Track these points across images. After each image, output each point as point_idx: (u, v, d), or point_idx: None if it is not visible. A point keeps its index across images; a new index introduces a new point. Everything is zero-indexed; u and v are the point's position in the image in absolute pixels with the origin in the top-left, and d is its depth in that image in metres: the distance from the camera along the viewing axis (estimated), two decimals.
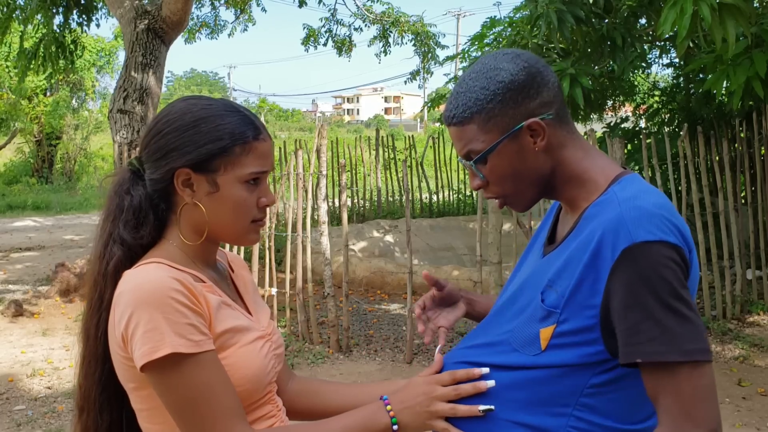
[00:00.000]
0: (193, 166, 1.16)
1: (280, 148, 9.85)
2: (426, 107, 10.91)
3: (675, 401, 1.03)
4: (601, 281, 1.07)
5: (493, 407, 1.15)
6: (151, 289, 1.07)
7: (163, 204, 1.21)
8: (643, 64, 6.55)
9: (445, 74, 72.23)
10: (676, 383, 1.03)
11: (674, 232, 1.06)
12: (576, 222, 1.17)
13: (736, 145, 6.13)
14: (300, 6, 10.83)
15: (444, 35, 13.21)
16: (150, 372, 1.07)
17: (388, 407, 1.18)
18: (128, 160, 1.25)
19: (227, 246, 5.30)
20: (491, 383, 1.16)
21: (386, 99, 78.30)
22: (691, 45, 5.49)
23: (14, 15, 7.42)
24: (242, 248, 5.40)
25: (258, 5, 11.68)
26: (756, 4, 5.19)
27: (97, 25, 33.76)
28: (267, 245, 5.35)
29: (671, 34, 4.06)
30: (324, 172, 5.10)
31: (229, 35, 12.61)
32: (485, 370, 1.17)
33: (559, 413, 1.11)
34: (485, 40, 7.47)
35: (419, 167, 10.66)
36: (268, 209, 1.25)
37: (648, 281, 1.03)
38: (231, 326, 1.16)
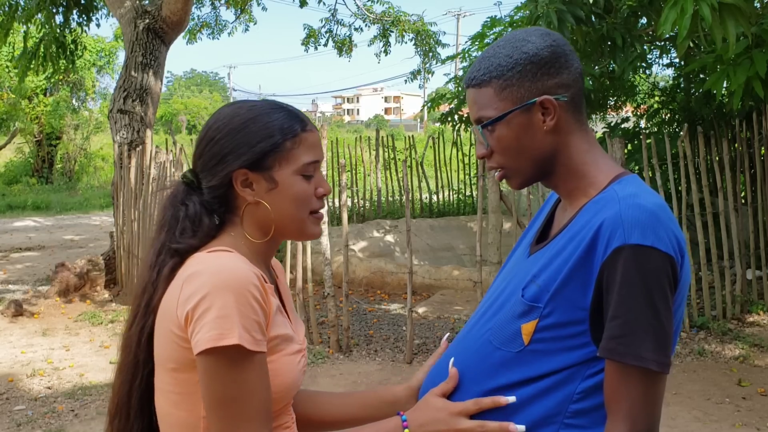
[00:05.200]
0: (249, 166, 1.18)
1: None
2: (426, 107, 10.89)
3: (621, 401, 1.06)
4: (593, 276, 1.08)
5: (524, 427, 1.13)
6: (233, 276, 1.08)
7: (224, 208, 1.22)
8: (643, 64, 6.54)
9: (445, 74, 72.22)
10: (626, 385, 1.06)
11: (670, 239, 1.06)
12: (571, 218, 1.17)
13: (736, 145, 6.13)
14: (301, 6, 10.83)
15: (444, 33, 13.20)
16: (207, 357, 1.06)
17: (406, 430, 1.18)
18: (181, 173, 1.27)
19: None
20: (521, 428, 1.13)
21: (386, 99, 78.30)
22: (691, 45, 5.49)
23: (16, 15, 7.42)
24: None
25: (258, 4, 11.68)
26: (756, 4, 5.19)
27: (98, 25, 33.75)
28: None
29: (671, 34, 4.06)
30: (324, 172, 5.10)
31: (230, 34, 12.61)
32: (512, 399, 1.14)
33: (551, 422, 1.12)
34: (485, 40, 7.47)
35: (419, 167, 10.66)
36: (324, 200, 1.26)
37: (629, 284, 1.04)
38: (282, 333, 1.17)
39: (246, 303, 1.07)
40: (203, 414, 1.12)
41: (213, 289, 1.06)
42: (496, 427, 1.13)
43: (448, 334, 1.31)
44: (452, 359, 1.24)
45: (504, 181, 1.26)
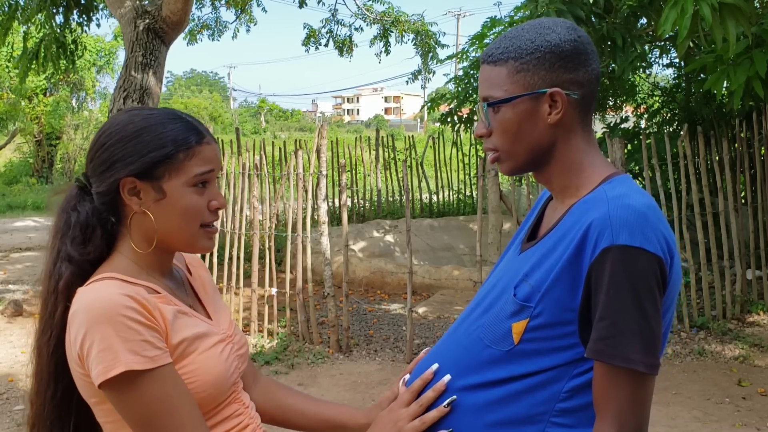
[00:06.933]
0: (137, 175, 1.17)
1: (280, 148, 9.86)
2: (426, 107, 10.89)
3: (610, 402, 1.06)
4: (581, 277, 1.08)
5: (455, 397, 1.16)
6: (103, 307, 1.07)
7: (113, 217, 1.21)
8: (643, 64, 6.54)
9: (445, 74, 72.20)
10: (614, 386, 1.06)
11: (659, 240, 1.06)
12: (561, 217, 1.16)
13: (736, 145, 6.13)
14: (300, 6, 10.82)
15: (444, 34, 13.15)
16: (107, 390, 1.08)
17: None
18: (75, 177, 1.26)
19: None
20: (447, 378, 1.17)
21: (386, 99, 78.32)
22: (691, 45, 5.49)
23: (15, 15, 7.42)
24: (242, 248, 5.39)
25: (258, 5, 11.67)
26: (756, 4, 5.19)
27: (98, 25, 33.67)
28: (267, 245, 5.35)
29: (671, 34, 4.06)
30: (324, 172, 5.10)
31: (233, 37, 12.61)
32: (435, 366, 1.20)
33: (537, 420, 1.12)
34: (485, 40, 7.47)
35: (419, 167, 10.66)
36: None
37: (617, 285, 1.04)
38: (189, 335, 1.16)
39: (125, 328, 1.07)
40: None
41: (89, 325, 1.07)
42: (435, 415, 1.17)
43: (404, 378, 1.31)
44: (403, 378, 1.29)
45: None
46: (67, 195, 1.24)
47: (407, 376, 1.31)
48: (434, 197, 10.74)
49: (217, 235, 1.32)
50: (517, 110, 1.16)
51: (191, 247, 1.23)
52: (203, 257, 5.23)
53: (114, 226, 1.22)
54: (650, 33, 5.92)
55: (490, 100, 1.17)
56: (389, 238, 8.45)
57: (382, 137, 10.73)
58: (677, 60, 8.02)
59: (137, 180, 1.17)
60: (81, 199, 1.21)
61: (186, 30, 10.43)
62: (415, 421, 1.18)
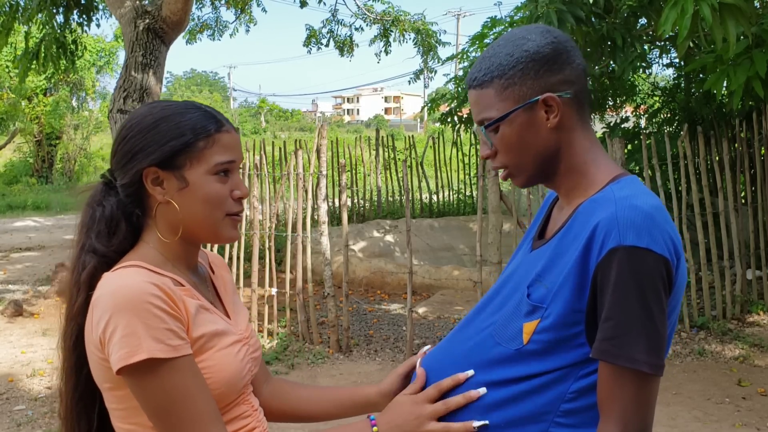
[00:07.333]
0: (159, 164, 1.18)
1: (280, 148, 9.86)
2: (426, 107, 10.89)
3: (614, 402, 1.06)
4: (588, 277, 1.08)
5: (488, 422, 1.14)
6: (129, 293, 1.08)
7: (138, 209, 1.22)
8: (643, 64, 6.55)
9: (445, 74, 72.21)
10: (618, 386, 1.05)
11: (665, 241, 1.06)
12: (569, 217, 1.16)
13: (736, 145, 6.13)
14: (301, 6, 10.83)
15: (445, 32, 13.13)
16: (127, 376, 1.08)
17: (375, 429, 1.19)
18: (101, 173, 1.27)
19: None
20: (483, 390, 1.15)
21: (386, 99, 78.31)
22: (691, 45, 5.49)
23: (16, 15, 7.42)
24: (242, 248, 5.39)
25: (258, 5, 11.68)
26: (756, 4, 5.19)
27: (98, 25, 33.70)
28: (267, 245, 5.35)
29: (671, 34, 4.06)
30: (324, 172, 5.10)
31: (231, 35, 12.61)
32: (470, 372, 1.17)
33: (541, 420, 1.12)
34: (485, 40, 7.46)
35: (419, 167, 10.66)
36: (244, 202, 1.25)
37: (623, 285, 1.04)
38: (208, 330, 1.17)
39: (150, 315, 1.07)
40: (150, 425, 1.14)
41: (114, 310, 1.07)
42: (460, 428, 1.15)
43: (420, 359, 1.30)
44: (419, 359, 1.28)
45: (508, 180, 1.26)
46: (93, 191, 1.25)
47: (427, 348, 1.31)
48: (434, 197, 10.74)
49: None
50: (515, 125, 1.16)
51: (216, 236, 1.23)
52: None
53: (140, 219, 1.23)
54: (650, 33, 5.92)
55: (486, 122, 1.18)
56: (389, 238, 8.45)
57: (382, 137, 10.73)
58: (677, 60, 8.02)
59: (159, 170, 1.18)
60: (106, 194, 1.22)
61: (186, 30, 10.42)
62: (439, 425, 1.16)
